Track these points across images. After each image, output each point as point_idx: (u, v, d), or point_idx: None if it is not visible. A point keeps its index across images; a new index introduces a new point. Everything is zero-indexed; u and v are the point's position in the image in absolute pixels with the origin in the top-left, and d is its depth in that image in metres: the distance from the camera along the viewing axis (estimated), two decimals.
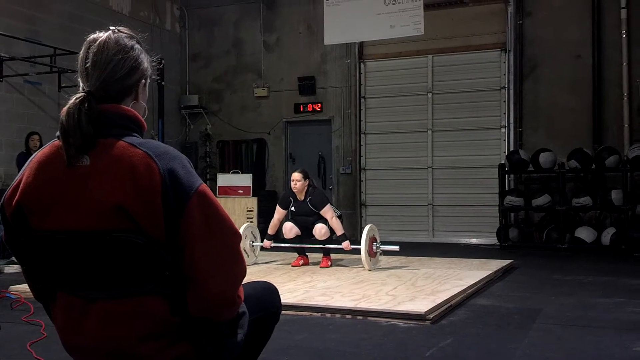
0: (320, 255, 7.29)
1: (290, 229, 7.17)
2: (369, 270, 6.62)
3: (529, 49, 10.32)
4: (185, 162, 1.64)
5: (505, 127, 10.42)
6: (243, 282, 1.78)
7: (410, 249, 9.02)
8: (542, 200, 9.43)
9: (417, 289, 5.40)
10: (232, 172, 10.75)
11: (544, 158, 9.43)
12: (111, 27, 1.73)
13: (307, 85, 11.52)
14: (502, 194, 9.76)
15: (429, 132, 10.90)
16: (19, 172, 1.72)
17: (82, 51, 1.70)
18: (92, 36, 1.71)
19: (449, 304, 4.86)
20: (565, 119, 10.01)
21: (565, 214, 9.30)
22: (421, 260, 7.59)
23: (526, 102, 10.33)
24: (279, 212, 7.29)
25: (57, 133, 1.64)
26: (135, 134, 1.67)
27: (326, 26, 10.28)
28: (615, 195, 8.97)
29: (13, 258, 7.08)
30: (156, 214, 1.55)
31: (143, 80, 1.76)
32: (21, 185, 1.66)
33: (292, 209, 7.23)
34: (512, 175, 10.21)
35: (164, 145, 1.66)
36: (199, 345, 1.69)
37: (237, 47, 12.27)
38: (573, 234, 9.09)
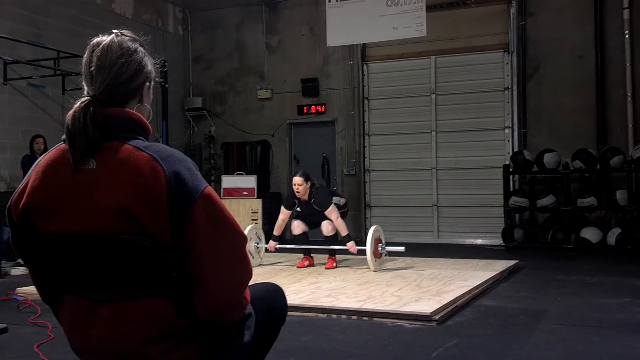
0: (326, 256, 7.29)
1: (297, 226, 7.23)
2: (375, 271, 6.62)
3: (531, 50, 10.31)
4: (190, 165, 1.64)
5: (509, 128, 10.41)
6: (249, 284, 1.79)
7: (415, 250, 9.01)
8: (546, 200, 9.42)
9: (423, 289, 5.40)
10: (237, 174, 10.76)
11: (548, 159, 9.41)
12: (114, 31, 1.74)
13: (310, 87, 11.53)
14: (507, 194, 9.75)
15: (433, 133, 10.89)
16: (23, 174, 1.74)
17: (85, 55, 1.71)
18: (96, 40, 1.72)
19: (454, 305, 4.86)
20: (569, 120, 10.00)
21: (570, 215, 9.29)
22: (426, 261, 7.58)
23: (530, 103, 10.31)
24: (284, 213, 7.30)
25: (63, 137, 1.65)
26: (141, 137, 1.68)
27: (329, 28, 10.28)
28: (620, 195, 8.95)
29: (19, 260, 7.09)
30: (162, 217, 1.56)
31: (147, 83, 1.77)
32: (27, 188, 1.67)
33: (298, 209, 7.24)
34: (516, 176, 10.19)
35: (169, 149, 1.66)
36: (205, 347, 1.70)
37: (240, 50, 12.28)
38: (578, 235, 9.07)
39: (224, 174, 11.28)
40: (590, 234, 9.00)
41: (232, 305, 1.69)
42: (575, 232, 9.12)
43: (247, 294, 1.75)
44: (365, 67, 11.37)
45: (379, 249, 6.85)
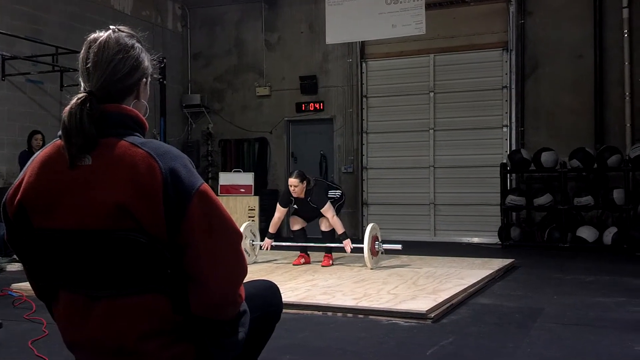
0: (322, 253, 7.30)
1: (296, 221, 7.29)
2: (371, 269, 6.63)
3: (530, 49, 10.31)
4: (186, 162, 1.65)
5: (507, 126, 10.41)
6: (244, 281, 1.79)
7: (411, 248, 9.02)
8: (543, 199, 9.42)
9: (419, 287, 5.40)
10: (234, 171, 10.75)
11: (545, 157, 9.42)
12: (111, 27, 1.74)
13: (308, 85, 11.53)
14: (504, 193, 9.76)
15: (431, 131, 10.90)
16: (21, 170, 1.73)
17: (82, 51, 1.71)
18: (93, 36, 1.72)
19: (450, 303, 4.87)
20: (567, 119, 10.01)
21: (566, 214, 9.30)
22: (423, 259, 7.59)
23: (528, 102, 10.32)
24: (280, 211, 7.30)
25: (59, 133, 1.65)
26: (137, 134, 1.68)
27: (328, 25, 10.28)
28: (617, 194, 8.96)
29: (15, 256, 7.09)
30: (158, 214, 1.56)
31: (144, 79, 1.77)
32: (23, 184, 1.67)
33: (295, 206, 7.25)
34: (513, 175, 10.20)
35: (166, 145, 1.66)
36: (200, 344, 1.70)
37: (239, 47, 12.28)
38: (575, 234, 9.08)
39: (222, 171, 11.28)
40: (586, 233, 9.01)
41: (227, 302, 1.69)
42: (571, 231, 9.14)
43: (242, 291, 1.75)
44: (364, 64, 11.36)
45: (376, 246, 6.86)
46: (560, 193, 9.40)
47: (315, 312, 4.70)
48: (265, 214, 10.35)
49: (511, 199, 9.63)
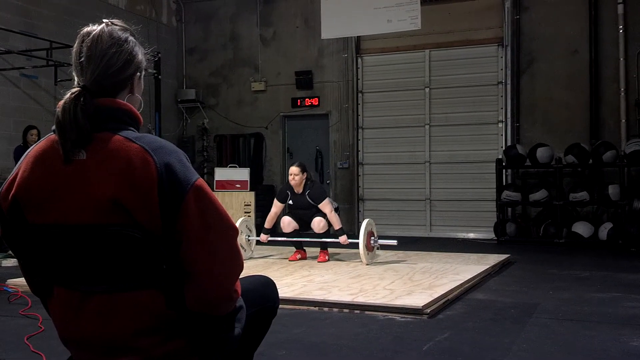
0: (318, 249, 7.30)
1: (288, 224, 7.18)
2: (367, 264, 6.63)
3: (526, 44, 10.32)
4: (181, 157, 1.63)
5: (502, 122, 10.42)
6: (240, 277, 1.78)
7: (407, 244, 9.03)
8: (539, 195, 9.44)
9: (415, 283, 5.41)
10: (230, 167, 10.74)
11: (541, 153, 9.44)
12: (104, 20, 1.72)
13: (304, 80, 11.51)
14: (500, 188, 9.77)
15: (427, 126, 10.90)
16: (15, 165, 1.72)
17: (75, 45, 1.69)
18: (86, 29, 1.70)
19: (446, 299, 4.87)
20: (563, 114, 10.02)
21: (562, 209, 9.32)
22: (418, 254, 7.60)
23: (523, 97, 10.33)
24: (276, 206, 7.29)
25: (53, 127, 1.64)
26: (132, 128, 1.66)
27: (323, 20, 10.27)
28: (613, 190, 8.98)
29: (10, 251, 7.07)
30: (153, 209, 1.55)
31: (138, 73, 1.75)
32: (17, 179, 1.66)
33: (290, 202, 7.23)
34: (509, 170, 10.22)
35: (161, 140, 1.65)
36: (195, 340, 1.69)
37: (234, 41, 12.24)
38: (570, 229, 9.10)
39: (217, 167, 11.26)
40: (582, 228, 9.03)
41: (222, 297, 1.68)
42: (567, 227, 9.16)
43: (238, 286, 1.74)
44: (359, 60, 11.35)
45: (372, 242, 6.86)
46: (556, 189, 9.42)
47: (312, 308, 4.70)
48: (261, 210, 10.34)
49: (507, 194, 9.65)
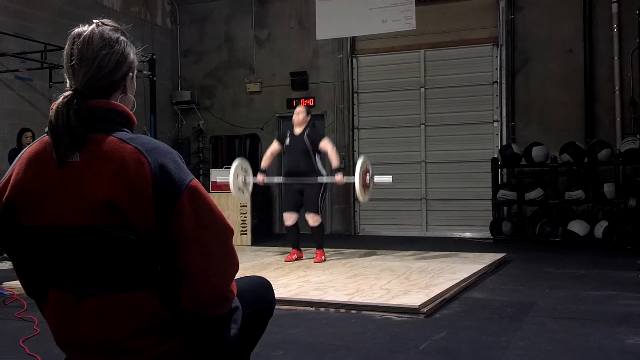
0: (312, 250, 7.29)
1: (289, 217, 7.26)
2: (363, 201, 6.72)
3: (520, 44, 10.33)
4: (176, 158, 1.63)
5: (497, 121, 10.44)
6: (236, 277, 1.78)
7: (403, 243, 9.04)
8: (534, 193, 9.46)
9: (411, 282, 5.41)
10: (226, 168, 10.70)
11: (536, 152, 9.45)
12: (95, 21, 1.71)
13: (299, 81, 11.50)
14: (495, 187, 9.78)
15: (422, 126, 10.91)
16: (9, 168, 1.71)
17: (66, 47, 1.68)
18: (76, 31, 1.69)
19: (442, 298, 4.87)
20: (558, 113, 10.04)
21: (558, 208, 9.33)
22: (415, 254, 7.61)
23: (518, 97, 10.35)
24: (274, 146, 7.43)
25: (47, 129, 1.63)
26: (125, 129, 1.66)
27: (318, 21, 10.26)
28: (608, 188, 9.00)
29: (5, 254, 7.05)
30: (147, 210, 1.55)
31: (130, 73, 1.74)
32: (11, 181, 1.65)
33: (287, 142, 7.26)
34: (504, 169, 10.23)
35: (155, 141, 1.65)
36: (191, 341, 1.69)
37: (229, 43, 12.23)
38: (566, 227, 9.12)
39: (213, 168, 11.24)
40: (577, 227, 9.05)
41: (218, 298, 1.68)
42: (562, 225, 9.17)
43: (234, 287, 1.74)
44: (354, 60, 11.35)
45: (367, 180, 6.90)
46: (551, 187, 9.43)
47: (308, 308, 4.70)
48: (257, 211, 10.34)
49: (502, 193, 9.66)
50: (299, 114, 7.24)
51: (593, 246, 8.71)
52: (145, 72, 9.67)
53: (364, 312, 4.54)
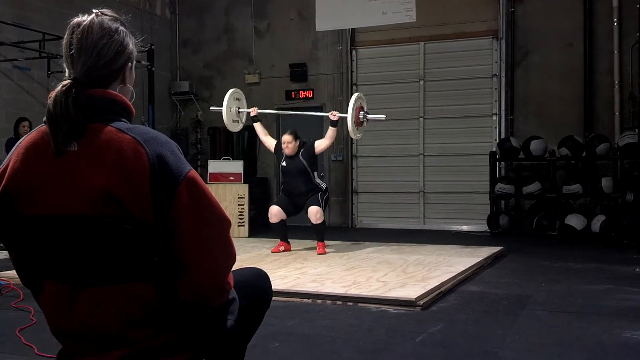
0: (306, 242, 7.26)
1: (275, 214, 7.16)
2: (355, 138, 6.71)
3: (520, 37, 10.31)
4: (174, 148, 1.62)
5: (496, 114, 10.43)
6: (233, 269, 1.78)
7: (401, 236, 9.05)
8: (532, 187, 9.46)
9: (408, 275, 5.42)
10: (223, 159, 10.71)
11: (534, 146, 9.45)
12: (94, 10, 1.71)
13: (298, 72, 11.47)
14: (493, 181, 9.78)
15: (421, 119, 10.90)
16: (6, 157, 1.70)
17: (66, 36, 1.68)
18: (76, 20, 1.68)
19: (439, 291, 4.88)
20: (557, 107, 10.03)
21: (555, 202, 9.34)
22: (412, 247, 7.62)
23: (517, 90, 10.34)
24: (270, 140, 7.44)
25: (44, 118, 1.63)
26: (124, 119, 1.65)
27: (318, 12, 10.25)
28: (606, 182, 9.01)
29: (1, 244, 7.03)
30: (145, 200, 1.54)
31: (129, 63, 1.74)
32: (8, 170, 1.64)
33: (283, 164, 7.20)
34: (503, 163, 10.23)
35: (153, 131, 1.64)
36: (188, 332, 1.69)
37: (228, 33, 12.20)
38: (563, 221, 9.13)
39: (211, 159, 11.23)
40: (575, 221, 9.06)
41: (215, 289, 1.68)
42: (560, 219, 9.18)
43: (231, 278, 1.74)
44: (354, 52, 11.33)
45: (360, 117, 6.88)
46: (549, 181, 9.44)
47: (305, 300, 4.71)
48: (255, 202, 10.33)
49: (500, 187, 9.66)
50: (288, 146, 7.06)
51: (590, 240, 8.72)
52: (143, 63, 9.63)
53: (360, 304, 4.55)
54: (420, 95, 10.89)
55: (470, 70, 10.54)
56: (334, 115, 7.05)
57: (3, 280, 5.32)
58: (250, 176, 11.02)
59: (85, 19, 1.67)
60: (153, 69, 10.06)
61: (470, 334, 3.77)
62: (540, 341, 3.59)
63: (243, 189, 9.57)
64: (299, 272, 5.70)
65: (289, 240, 7.33)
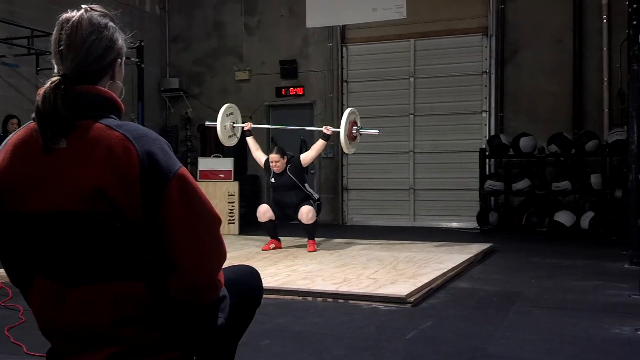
0: (303, 240, 7.27)
1: (264, 213, 7.14)
2: (348, 153, 6.73)
3: (510, 34, 10.34)
4: (164, 145, 1.62)
5: (486, 111, 10.45)
6: (224, 267, 1.77)
7: (391, 233, 9.06)
8: (522, 184, 9.49)
9: (398, 272, 5.42)
10: (213, 156, 10.68)
11: (524, 142, 9.48)
12: (83, 6, 1.69)
13: (288, 69, 11.46)
14: (483, 178, 9.81)
15: (411, 116, 10.91)
16: None
17: (54, 32, 1.66)
18: (65, 16, 1.67)
19: (429, 287, 4.89)
20: (546, 104, 10.07)
21: (544, 198, 9.38)
22: (402, 244, 7.63)
23: (507, 87, 10.37)
24: (260, 155, 7.43)
25: (33, 115, 1.61)
26: (113, 116, 1.64)
27: (308, 9, 10.21)
28: (595, 179, 9.05)
29: None
30: (134, 197, 1.54)
31: (119, 59, 1.73)
32: None
33: (272, 180, 7.20)
34: (492, 160, 10.25)
35: (143, 128, 1.63)
36: (178, 330, 1.68)
37: (218, 30, 12.15)
38: (552, 218, 9.17)
39: (201, 156, 11.19)
40: (564, 217, 9.10)
41: (205, 286, 1.68)
42: (549, 216, 9.22)
43: (221, 276, 1.73)
44: (344, 49, 11.32)
45: (354, 131, 6.89)
46: (538, 178, 9.47)
47: (296, 298, 4.70)
48: (245, 200, 10.31)
49: (490, 184, 9.69)
50: (276, 164, 7.08)
51: (579, 237, 8.77)
52: (133, 59, 9.58)
53: (351, 301, 4.55)
54: (411, 92, 10.90)
55: (461, 67, 10.55)
56: (327, 130, 7.07)
57: None
58: (240, 173, 10.99)
59: (74, 14, 1.66)
60: (142, 65, 10.02)
61: (460, 330, 3.78)
62: (530, 337, 3.61)
63: (233, 187, 9.55)
64: (289, 269, 5.70)
65: (279, 237, 7.32)
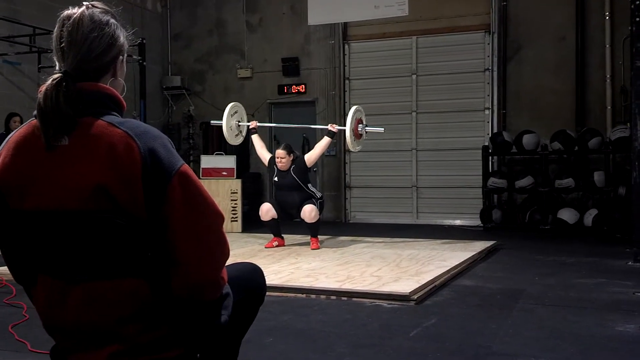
0: (298, 237, 7.23)
1: (267, 212, 7.11)
2: (354, 151, 6.71)
3: (513, 31, 10.31)
4: (166, 142, 1.61)
5: (489, 109, 10.43)
6: (227, 264, 1.77)
7: (394, 231, 9.05)
8: (525, 181, 9.48)
9: (402, 270, 5.42)
10: (216, 154, 10.67)
11: (527, 140, 9.46)
12: (84, 3, 1.69)
13: (290, 67, 11.44)
14: (486, 175, 9.80)
15: (413, 114, 10.89)
16: None
17: (56, 29, 1.66)
18: (66, 13, 1.66)
19: (433, 285, 4.89)
20: (549, 101, 10.04)
21: (548, 196, 9.36)
22: (405, 241, 7.62)
23: (510, 84, 10.34)
24: (265, 154, 7.38)
25: (35, 112, 1.61)
26: (115, 113, 1.64)
27: (310, 6, 10.19)
28: (598, 176, 9.03)
29: None
30: (137, 195, 1.53)
31: (120, 57, 1.72)
32: None
33: (275, 179, 7.17)
34: (495, 157, 10.24)
35: (145, 125, 1.62)
36: (181, 327, 1.68)
37: (220, 27, 12.14)
38: (555, 215, 9.15)
39: (203, 154, 11.19)
40: (567, 215, 9.08)
41: (208, 284, 1.67)
42: (552, 213, 9.20)
43: (224, 273, 1.73)
44: (346, 46, 11.30)
45: (359, 129, 6.87)
46: (542, 175, 9.45)
47: (299, 295, 4.70)
48: (248, 197, 10.31)
49: (493, 181, 9.67)
50: (282, 160, 7.02)
51: (582, 234, 8.75)
52: (135, 57, 9.58)
53: (354, 299, 4.55)
54: (413, 89, 10.88)
55: (463, 65, 10.53)
56: (333, 127, 7.06)
57: None
58: (243, 171, 10.99)
59: (75, 11, 1.65)
60: (144, 63, 10.01)
61: (463, 327, 3.78)
62: (534, 335, 3.60)
63: (236, 184, 9.55)
64: (292, 267, 5.69)
65: (282, 235, 7.32)
